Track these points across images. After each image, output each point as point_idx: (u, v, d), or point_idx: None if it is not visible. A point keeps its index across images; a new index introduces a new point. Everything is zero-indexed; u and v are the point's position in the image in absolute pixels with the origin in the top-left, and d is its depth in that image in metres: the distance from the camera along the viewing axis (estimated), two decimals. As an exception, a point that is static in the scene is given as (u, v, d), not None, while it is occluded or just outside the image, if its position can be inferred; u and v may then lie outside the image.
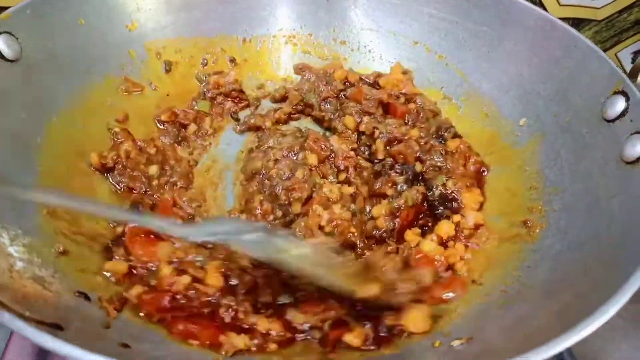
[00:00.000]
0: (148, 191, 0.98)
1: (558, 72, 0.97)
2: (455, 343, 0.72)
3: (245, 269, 0.85)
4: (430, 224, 0.97)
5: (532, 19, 1.02)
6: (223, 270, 0.83)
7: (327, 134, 1.11)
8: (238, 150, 1.12)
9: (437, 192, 0.99)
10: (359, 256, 0.92)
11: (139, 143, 1.02)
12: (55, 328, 0.58)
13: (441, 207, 0.98)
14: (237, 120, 1.17)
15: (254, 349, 0.74)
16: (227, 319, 0.77)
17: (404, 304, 0.79)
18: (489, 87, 1.10)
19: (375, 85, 1.16)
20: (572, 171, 0.90)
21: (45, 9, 0.93)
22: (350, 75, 1.17)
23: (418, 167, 1.02)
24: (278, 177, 0.99)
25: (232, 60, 1.20)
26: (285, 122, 1.17)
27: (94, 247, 0.84)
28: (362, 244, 0.93)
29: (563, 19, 0.99)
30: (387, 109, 1.11)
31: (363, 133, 1.09)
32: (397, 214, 0.95)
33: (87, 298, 0.72)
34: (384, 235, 0.94)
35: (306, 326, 0.79)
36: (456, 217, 0.95)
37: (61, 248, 0.77)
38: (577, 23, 1.34)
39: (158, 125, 1.09)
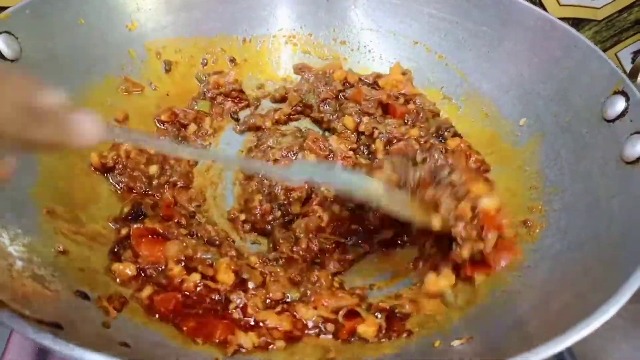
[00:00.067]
0: (148, 191, 0.98)
1: (558, 72, 0.97)
2: (456, 343, 0.72)
3: (253, 265, 0.86)
4: None
5: (532, 19, 1.02)
6: (233, 267, 0.83)
7: (327, 134, 1.11)
8: (238, 150, 1.12)
9: (444, 182, 0.95)
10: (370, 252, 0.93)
11: None
12: (54, 327, 0.58)
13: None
14: (237, 120, 1.16)
15: (261, 345, 0.74)
16: (237, 315, 0.78)
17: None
18: (489, 87, 1.10)
19: (374, 85, 1.16)
20: (572, 171, 0.90)
21: (45, 8, 0.93)
22: (350, 75, 1.17)
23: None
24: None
25: (232, 60, 1.20)
26: (285, 122, 1.17)
27: (94, 246, 0.84)
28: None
29: (563, 19, 0.99)
30: (386, 109, 1.11)
31: (362, 133, 1.09)
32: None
33: (86, 297, 0.72)
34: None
35: (318, 322, 0.79)
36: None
37: (61, 247, 0.77)
38: (577, 23, 1.34)
39: (158, 125, 1.09)
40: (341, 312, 0.79)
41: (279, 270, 0.86)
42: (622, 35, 1.38)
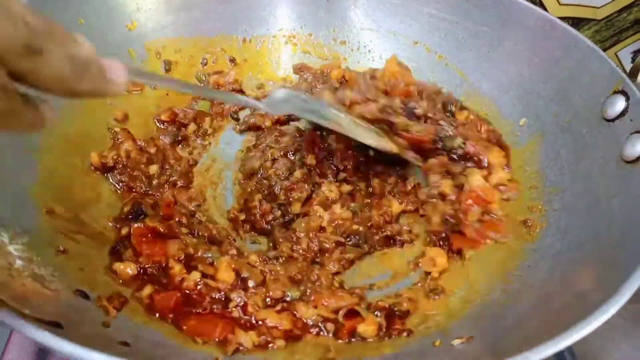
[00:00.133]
0: (148, 190, 0.98)
1: (558, 72, 0.97)
2: (456, 342, 0.71)
3: (254, 264, 0.86)
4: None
5: (532, 18, 1.02)
6: (234, 265, 0.84)
7: (325, 134, 1.10)
8: (237, 150, 1.12)
9: (459, 152, 0.97)
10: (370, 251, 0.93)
11: (139, 143, 1.02)
12: (54, 326, 0.58)
13: (468, 163, 0.98)
14: (237, 119, 1.16)
15: (261, 344, 0.75)
16: (237, 314, 0.78)
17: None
18: (489, 87, 1.10)
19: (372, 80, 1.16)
20: (572, 171, 0.90)
21: (45, 8, 0.93)
22: (347, 73, 1.16)
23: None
24: (276, 177, 0.99)
25: (232, 60, 1.20)
26: (285, 122, 1.17)
27: (94, 246, 0.84)
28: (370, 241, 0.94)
29: (563, 19, 0.99)
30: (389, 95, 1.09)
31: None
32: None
33: (86, 297, 0.71)
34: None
35: (317, 321, 0.79)
36: (482, 172, 0.95)
37: (61, 247, 0.77)
38: (577, 22, 1.34)
39: (158, 124, 1.09)
40: (341, 312, 0.80)
41: (279, 268, 0.86)
42: (622, 35, 1.38)
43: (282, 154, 1.03)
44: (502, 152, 1.01)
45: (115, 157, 0.96)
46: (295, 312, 0.80)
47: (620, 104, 0.83)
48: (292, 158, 1.02)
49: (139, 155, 0.99)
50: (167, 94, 1.13)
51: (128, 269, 0.80)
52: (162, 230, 0.86)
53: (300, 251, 0.89)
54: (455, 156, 0.98)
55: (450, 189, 0.94)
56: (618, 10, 1.32)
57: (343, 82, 1.15)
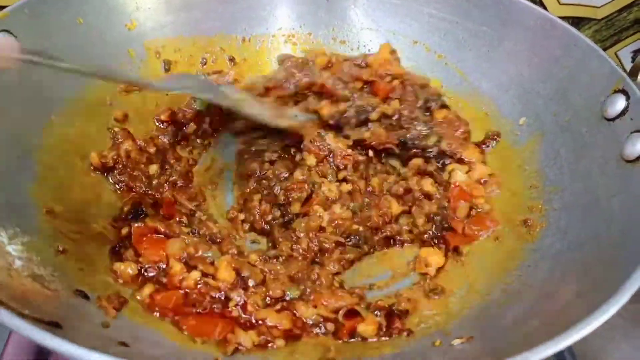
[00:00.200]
0: (148, 190, 0.98)
1: (558, 71, 0.97)
2: (456, 342, 0.71)
3: (254, 263, 0.86)
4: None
5: (532, 18, 1.02)
6: (234, 265, 0.84)
7: (322, 132, 1.10)
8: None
9: (434, 151, 1.02)
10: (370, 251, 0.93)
11: (139, 143, 1.02)
12: (53, 326, 0.58)
13: (446, 160, 1.02)
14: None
15: (261, 344, 0.75)
16: (237, 313, 0.78)
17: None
18: (488, 87, 1.10)
19: (364, 66, 1.14)
20: (572, 170, 0.90)
21: (44, 8, 0.93)
22: (334, 57, 1.13)
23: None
24: (275, 178, 0.98)
25: (232, 60, 1.20)
26: None
27: (94, 246, 0.84)
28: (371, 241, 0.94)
29: (563, 18, 0.99)
30: (371, 88, 1.10)
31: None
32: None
33: (86, 297, 0.71)
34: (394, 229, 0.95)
35: (317, 320, 0.79)
36: (464, 168, 0.99)
37: (60, 247, 0.77)
38: (577, 22, 1.34)
39: (157, 124, 1.09)
40: (341, 312, 0.79)
41: (279, 268, 0.86)
42: (622, 35, 1.38)
43: (279, 155, 1.03)
44: (477, 148, 1.03)
45: (115, 157, 0.96)
46: (295, 311, 0.80)
47: (620, 103, 0.83)
48: (292, 158, 1.02)
49: (138, 155, 0.99)
50: (167, 94, 1.13)
51: (129, 269, 0.81)
52: (162, 229, 0.86)
53: (300, 251, 0.89)
54: (431, 155, 1.01)
55: (433, 187, 0.96)
56: (618, 10, 1.32)
57: (328, 67, 1.13)
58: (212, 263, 0.85)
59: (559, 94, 0.97)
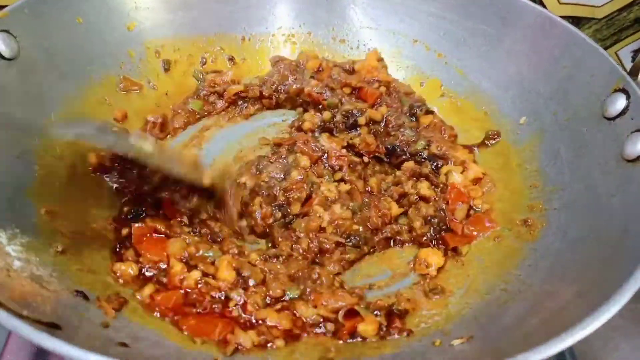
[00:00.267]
0: (147, 190, 0.97)
1: (558, 70, 0.97)
2: (456, 342, 0.71)
3: (254, 262, 0.86)
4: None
5: (531, 17, 1.02)
6: (234, 264, 0.83)
7: (316, 134, 1.11)
8: (237, 150, 1.11)
9: (425, 154, 1.03)
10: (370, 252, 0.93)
11: None
12: (52, 327, 0.58)
13: (439, 162, 1.02)
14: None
15: (260, 344, 0.74)
16: (237, 313, 0.78)
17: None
18: (488, 85, 1.10)
19: (351, 72, 1.17)
20: (572, 170, 0.90)
21: (43, 7, 0.93)
22: (325, 63, 1.17)
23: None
24: (273, 179, 0.98)
25: (231, 59, 1.20)
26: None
27: (94, 246, 0.84)
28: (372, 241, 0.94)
29: (563, 17, 0.99)
30: (359, 94, 1.13)
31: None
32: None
33: (85, 297, 0.71)
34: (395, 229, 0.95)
35: (317, 320, 0.79)
36: (458, 168, 0.99)
37: (59, 247, 0.77)
38: (577, 21, 1.34)
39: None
40: (341, 312, 0.79)
41: (279, 267, 0.86)
42: (622, 34, 1.38)
43: (271, 160, 1.03)
44: (466, 149, 1.04)
45: (112, 157, 0.96)
46: (294, 311, 0.80)
47: (620, 102, 0.83)
48: (284, 162, 1.02)
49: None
50: (166, 94, 1.13)
51: (129, 269, 0.81)
52: (162, 229, 0.86)
53: (300, 251, 0.89)
54: (422, 159, 1.02)
55: (430, 191, 0.96)
56: (618, 9, 1.32)
57: (319, 72, 1.16)
58: (213, 263, 0.85)
59: (559, 93, 0.97)
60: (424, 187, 0.96)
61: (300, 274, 0.85)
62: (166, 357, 0.69)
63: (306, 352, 0.76)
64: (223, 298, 0.80)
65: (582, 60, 0.93)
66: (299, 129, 1.10)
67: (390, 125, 1.07)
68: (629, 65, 1.41)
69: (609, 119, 0.85)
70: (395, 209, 0.95)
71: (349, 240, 0.92)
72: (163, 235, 0.87)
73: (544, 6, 1.29)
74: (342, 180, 1.00)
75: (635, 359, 0.90)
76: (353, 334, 0.78)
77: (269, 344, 0.75)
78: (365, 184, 1.01)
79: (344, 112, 1.08)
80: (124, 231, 0.87)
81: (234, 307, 0.79)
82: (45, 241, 0.77)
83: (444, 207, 0.95)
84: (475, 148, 1.07)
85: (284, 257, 0.88)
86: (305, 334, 0.78)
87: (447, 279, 0.87)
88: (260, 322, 0.78)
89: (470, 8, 1.10)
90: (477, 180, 0.99)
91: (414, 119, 1.10)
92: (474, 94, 1.12)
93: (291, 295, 0.83)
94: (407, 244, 0.94)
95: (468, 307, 0.81)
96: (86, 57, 1.00)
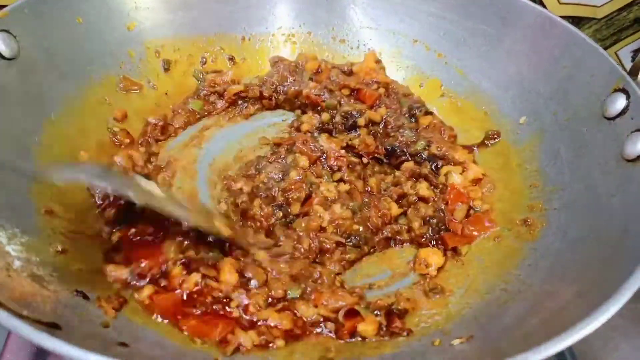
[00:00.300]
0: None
1: (558, 70, 0.97)
2: (456, 342, 0.71)
3: (261, 261, 0.85)
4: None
5: (531, 16, 1.02)
6: (237, 267, 0.83)
7: (315, 134, 1.10)
8: (237, 149, 1.11)
9: (425, 155, 1.03)
10: (370, 252, 0.93)
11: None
12: (52, 327, 0.58)
13: (439, 162, 1.02)
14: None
15: (261, 344, 0.74)
16: (237, 314, 0.78)
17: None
18: (488, 85, 1.10)
19: (349, 74, 1.17)
20: (572, 169, 0.90)
21: (43, 7, 0.93)
22: (324, 64, 1.17)
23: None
24: (271, 180, 0.98)
25: (231, 59, 1.20)
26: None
27: (94, 246, 0.84)
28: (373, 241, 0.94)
29: (563, 17, 0.99)
30: (358, 95, 1.13)
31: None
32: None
33: (85, 297, 0.71)
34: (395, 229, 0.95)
35: (318, 319, 0.79)
36: (457, 169, 0.99)
37: (59, 247, 0.77)
38: (577, 21, 1.34)
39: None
40: (341, 312, 0.79)
41: (282, 266, 0.85)
42: (622, 34, 1.38)
43: (269, 160, 1.03)
44: (466, 150, 1.04)
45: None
46: (295, 311, 0.80)
47: (620, 102, 0.83)
48: (283, 162, 1.02)
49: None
50: (166, 93, 1.13)
51: (118, 271, 0.79)
52: (152, 231, 0.84)
53: (302, 250, 0.89)
54: (421, 159, 1.02)
55: (429, 191, 0.96)
56: (618, 9, 1.32)
57: (318, 73, 1.16)
58: (214, 265, 0.83)
59: (559, 93, 0.97)
60: (423, 188, 0.96)
61: (302, 272, 0.85)
62: (166, 357, 0.69)
63: (306, 352, 0.76)
64: (223, 299, 0.80)
65: (582, 60, 0.93)
66: (298, 129, 1.10)
67: (389, 127, 1.07)
68: (628, 65, 1.41)
69: (609, 118, 0.85)
70: (395, 209, 0.95)
71: (349, 240, 0.92)
72: (154, 239, 0.84)
73: (544, 6, 1.29)
74: (341, 180, 1.00)
75: (635, 359, 0.90)
76: (353, 333, 0.78)
77: (270, 344, 0.75)
78: (364, 184, 1.01)
79: (343, 114, 1.08)
80: (114, 237, 0.85)
81: (235, 308, 0.79)
82: (45, 241, 0.77)
83: (443, 207, 0.95)
84: (475, 148, 1.07)
85: (288, 256, 0.88)
86: (306, 334, 0.78)
87: (447, 278, 0.87)
88: (260, 322, 0.77)
89: (470, 8, 1.10)
90: (476, 181, 0.99)
91: (413, 119, 1.10)
92: (474, 94, 1.12)
93: (292, 295, 0.83)
94: (406, 244, 0.94)
95: (468, 307, 0.81)
96: (86, 57, 1.00)
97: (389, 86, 1.14)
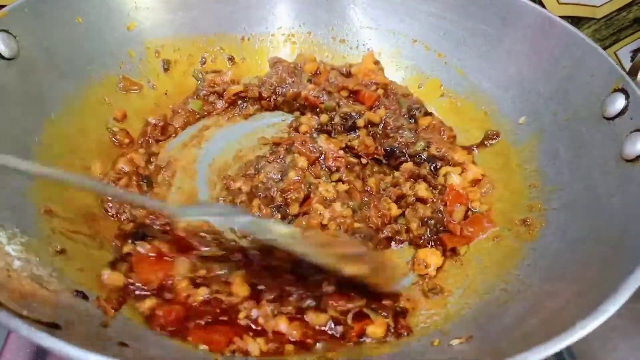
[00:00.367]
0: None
1: (557, 70, 0.97)
2: (455, 342, 0.71)
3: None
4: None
5: (531, 17, 1.02)
6: (249, 279, 0.81)
7: (315, 135, 1.10)
8: (237, 149, 1.11)
9: (424, 155, 1.02)
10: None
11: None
12: (52, 327, 0.58)
13: (438, 163, 1.02)
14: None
15: (270, 352, 0.73)
16: (245, 323, 0.76)
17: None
18: (488, 85, 1.10)
19: (348, 75, 1.17)
20: (571, 169, 0.90)
21: (43, 7, 0.93)
22: (322, 66, 1.17)
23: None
24: (270, 180, 0.98)
25: (231, 59, 1.20)
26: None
27: (93, 246, 0.84)
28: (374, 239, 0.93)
29: (562, 17, 0.99)
30: (356, 97, 1.13)
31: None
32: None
33: (85, 297, 0.71)
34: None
35: (328, 325, 0.78)
36: (457, 170, 0.99)
37: (59, 247, 0.77)
38: (577, 21, 1.34)
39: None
40: (350, 314, 0.79)
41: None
42: (621, 34, 1.38)
43: (268, 160, 1.02)
44: (465, 150, 1.05)
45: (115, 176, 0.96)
46: (305, 317, 0.78)
47: (620, 102, 0.83)
48: (282, 162, 1.01)
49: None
50: (166, 93, 1.13)
51: (114, 279, 0.78)
52: (168, 252, 0.84)
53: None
54: (421, 160, 1.02)
55: (427, 192, 0.96)
56: (617, 9, 1.32)
57: (316, 75, 1.16)
58: (226, 281, 0.82)
59: (558, 93, 0.97)
60: (422, 189, 0.96)
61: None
62: (166, 357, 0.69)
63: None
64: (231, 310, 0.78)
65: (581, 60, 0.93)
66: (297, 130, 1.10)
67: (388, 127, 1.07)
68: (628, 65, 1.41)
69: (608, 118, 0.85)
70: (395, 210, 0.96)
71: (353, 237, 0.92)
72: (166, 257, 0.83)
73: (544, 6, 1.29)
74: (339, 180, 1.00)
75: (634, 359, 0.90)
76: (361, 336, 0.77)
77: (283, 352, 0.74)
78: (364, 184, 1.01)
79: (342, 115, 1.08)
80: (125, 248, 0.84)
81: (244, 319, 0.77)
82: (45, 241, 0.77)
83: (441, 208, 0.95)
84: (475, 148, 1.07)
85: None
86: (315, 342, 0.76)
87: (446, 278, 0.87)
88: (269, 333, 0.76)
89: (470, 8, 1.10)
90: (476, 182, 0.99)
91: (412, 120, 1.10)
92: (473, 94, 1.12)
93: (306, 304, 0.81)
94: (405, 244, 0.94)
95: (467, 307, 0.81)
96: (86, 57, 1.01)
97: (388, 87, 1.14)
